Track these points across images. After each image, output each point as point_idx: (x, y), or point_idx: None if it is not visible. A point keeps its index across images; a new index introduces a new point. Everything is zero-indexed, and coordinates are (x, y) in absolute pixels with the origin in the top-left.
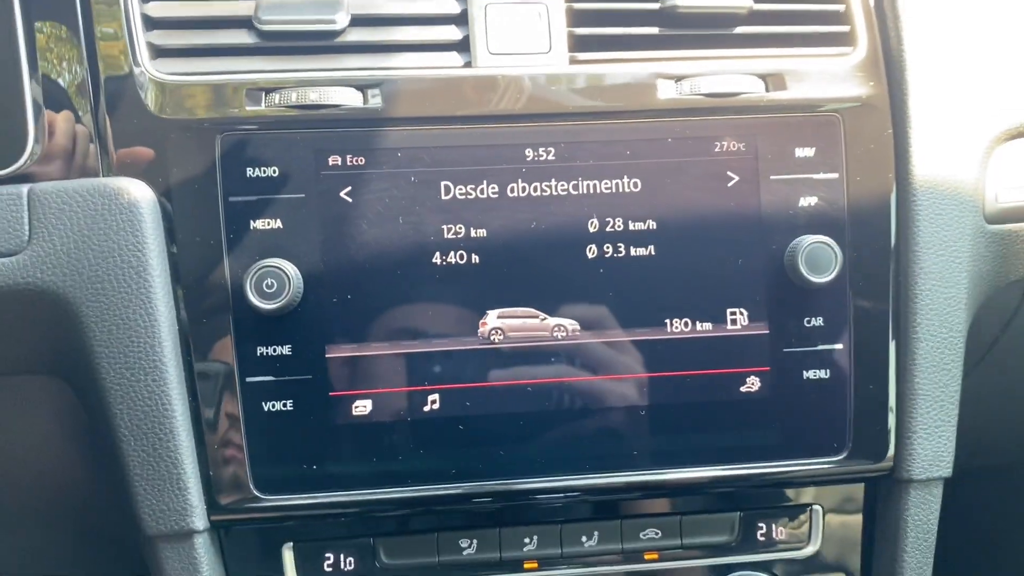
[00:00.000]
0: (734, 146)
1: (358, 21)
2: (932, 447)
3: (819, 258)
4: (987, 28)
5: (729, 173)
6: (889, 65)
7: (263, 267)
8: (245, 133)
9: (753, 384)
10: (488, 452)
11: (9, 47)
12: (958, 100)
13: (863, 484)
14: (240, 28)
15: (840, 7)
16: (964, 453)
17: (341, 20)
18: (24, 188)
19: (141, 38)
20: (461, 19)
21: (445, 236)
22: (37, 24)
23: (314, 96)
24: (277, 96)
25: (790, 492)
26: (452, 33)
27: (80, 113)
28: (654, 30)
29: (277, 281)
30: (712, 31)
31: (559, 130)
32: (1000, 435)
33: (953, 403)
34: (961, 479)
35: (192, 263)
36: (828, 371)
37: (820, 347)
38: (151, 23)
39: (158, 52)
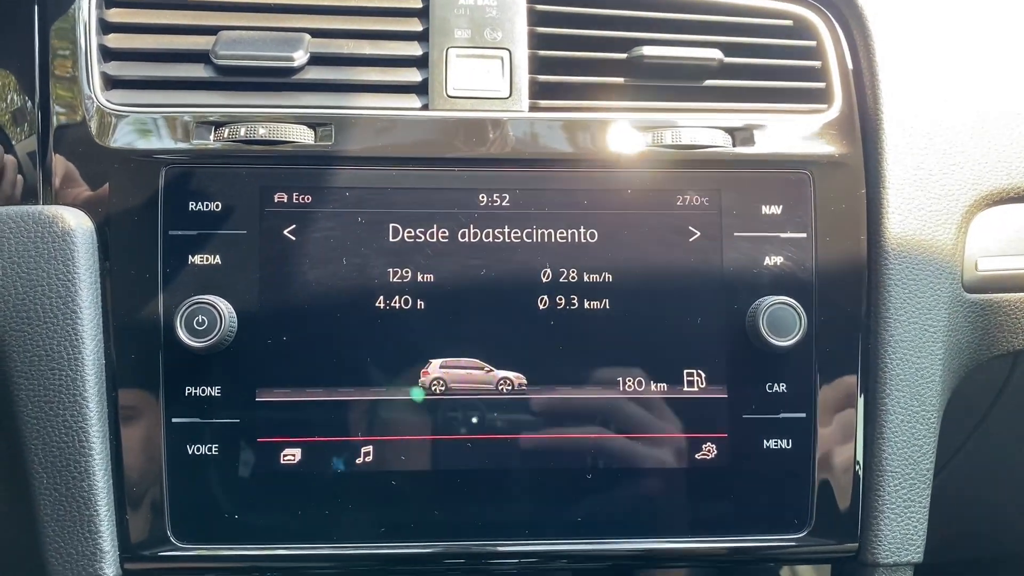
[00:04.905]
0: (697, 200)
1: (317, 60)
2: (900, 529)
3: (782, 320)
4: (969, 91)
5: (691, 228)
6: (865, 124)
7: (195, 303)
8: (191, 166)
9: (710, 451)
10: (422, 510)
11: None
12: (936, 163)
13: (829, 566)
14: (197, 62)
15: (816, 64)
16: (941, 542)
17: (299, 58)
18: None
19: (95, 68)
20: (421, 62)
21: (390, 280)
22: None
23: (263, 131)
24: (226, 130)
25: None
26: (411, 75)
27: (27, 140)
28: (619, 80)
29: (208, 318)
30: (680, 83)
31: (515, 176)
32: (987, 524)
33: (925, 482)
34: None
35: (125, 296)
36: (790, 440)
37: (782, 415)
38: (109, 54)
39: (112, 83)
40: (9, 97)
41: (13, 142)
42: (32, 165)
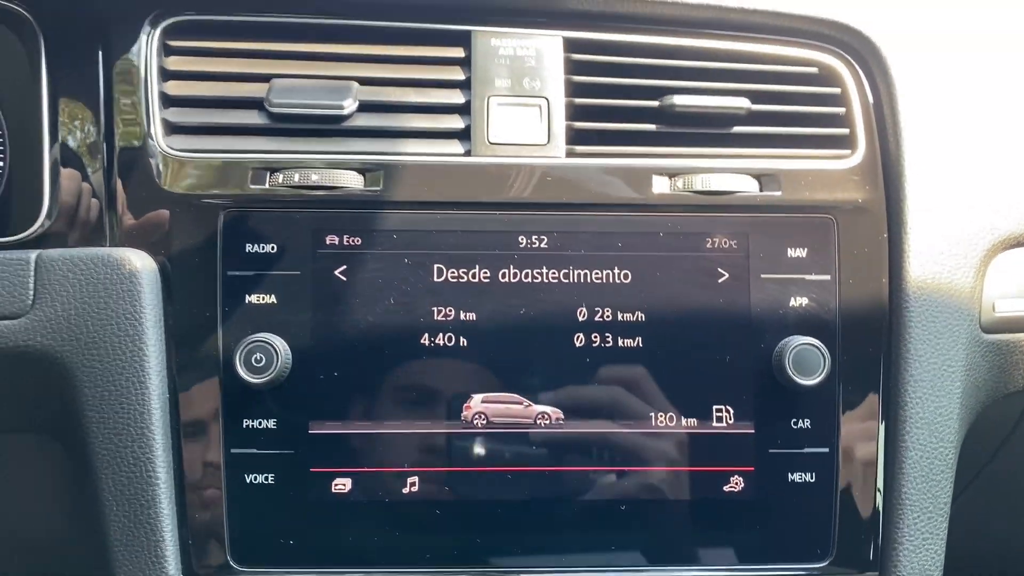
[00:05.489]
0: (725, 243)
1: (365, 107)
2: (919, 560)
3: (807, 360)
4: (988, 138)
5: (720, 270)
6: (887, 170)
7: (253, 341)
8: (247, 210)
9: (737, 483)
10: (465, 538)
11: (33, 118)
12: (956, 207)
13: None
14: (252, 109)
15: (840, 110)
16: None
17: (349, 106)
18: (32, 254)
19: (157, 115)
20: (464, 109)
21: (435, 318)
22: (61, 98)
23: (316, 177)
24: (281, 176)
25: None
26: (454, 122)
27: (94, 184)
28: (651, 127)
29: (266, 356)
30: (709, 130)
31: (553, 219)
32: (997, 552)
33: (942, 514)
34: None
35: (187, 334)
36: (813, 474)
37: (806, 449)
38: (168, 100)
39: (172, 129)
40: (79, 146)
41: (82, 187)
42: (99, 208)
